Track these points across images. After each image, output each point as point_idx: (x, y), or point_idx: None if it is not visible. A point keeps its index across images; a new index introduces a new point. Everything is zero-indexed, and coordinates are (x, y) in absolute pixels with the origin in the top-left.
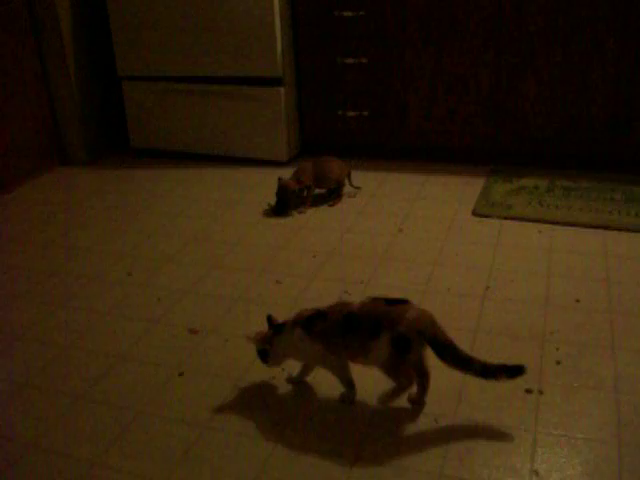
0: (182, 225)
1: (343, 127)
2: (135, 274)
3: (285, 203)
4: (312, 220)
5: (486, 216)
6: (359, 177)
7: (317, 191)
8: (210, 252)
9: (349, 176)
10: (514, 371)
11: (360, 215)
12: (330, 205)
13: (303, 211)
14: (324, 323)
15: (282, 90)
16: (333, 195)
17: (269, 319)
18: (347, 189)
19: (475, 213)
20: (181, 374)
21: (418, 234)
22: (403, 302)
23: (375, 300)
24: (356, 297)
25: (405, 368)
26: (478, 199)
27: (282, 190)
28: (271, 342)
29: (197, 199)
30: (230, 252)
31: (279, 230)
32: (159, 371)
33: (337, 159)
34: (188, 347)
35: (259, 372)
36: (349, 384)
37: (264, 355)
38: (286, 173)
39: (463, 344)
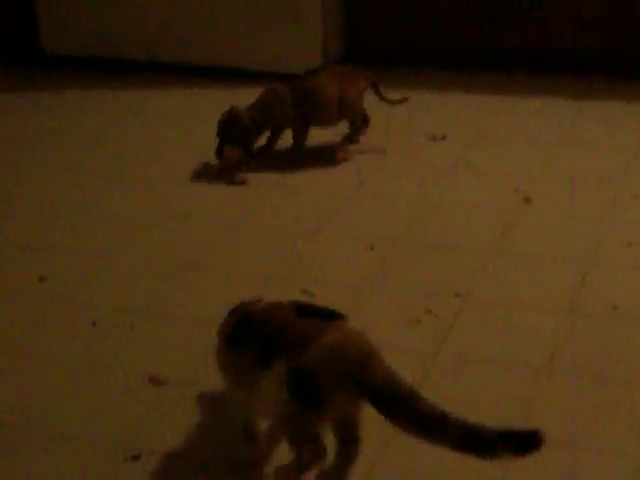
0: (110, 195)
1: (413, 22)
2: (51, 281)
3: (222, 147)
4: (358, 183)
5: None
6: (438, 103)
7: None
8: (168, 244)
9: (377, 89)
10: (525, 441)
11: (446, 174)
12: (339, 158)
13: (240, 181)
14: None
15: None
16: (345, 138)
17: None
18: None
19: None
20: (136, 457)
21: (559, 207)
22: (331, 317)
23: (288, 306)
24: (444, 322)
25: (311, 431)
26: None
27: (225, 122)
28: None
29: (148, 145)
30: (211, 243)
31: (301, 201)
32: (101, 453)
33: (343, 69)
34: (148, 406)
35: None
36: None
37: None
38: None
39: None
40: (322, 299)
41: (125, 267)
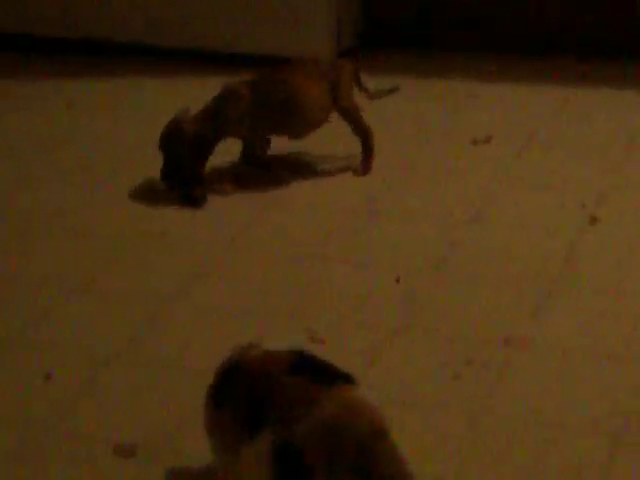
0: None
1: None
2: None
3: (172, 166)
4: (379, 198)
5: None
6: (479, 97)
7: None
8: (142, 268)
9: (359, 81)
10: None
11: (491, 186)
12: (358, 171)
13: (223, 190)
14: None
15: None
16: (362, 144)
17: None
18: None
19: None
20: None
21: (633, 229)
22: (335, 378)
23: (285, 358)
24: (489, 376)
25: None
26: None
27: (165, 136)
28: None
29: (120, 146)
30: (196, 268)
31: (310, 220)
32: None
33: (317, 62)
34: None
35: None
36: None
37: None
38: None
39: None
40: (334, 346)
41: (88, 300)
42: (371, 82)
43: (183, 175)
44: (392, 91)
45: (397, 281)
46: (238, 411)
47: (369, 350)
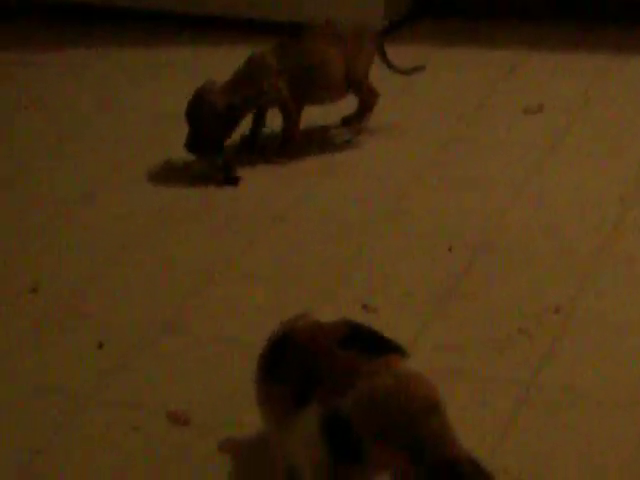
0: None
1: None
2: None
3: (200, 138)
4: (430, 166)
5: None
6: (530, 64)
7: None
8: (187, 245)
9: (383, 54)
10: None
11: (544, 156)
12: (348, 139)
13: (270, 160)
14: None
15: None
16: (353, 115)
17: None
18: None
19: None
20: None
21: None
22: (387, 349)
23: (336, 329)
24: (541, 346)
25: None
26: None
27: (195, 105)
28: None
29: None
30: (242, 243)
31: (354, 188)
32: None
33: (341, 28)
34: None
35: None
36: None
37: None
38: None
39: None
40: (387, 316)
41: (137, 275)
42: (420, 52)
43: (209, 146)
44: (417, 69)
45: (450, 250)
46: (289, 382)
47: (420, 320)
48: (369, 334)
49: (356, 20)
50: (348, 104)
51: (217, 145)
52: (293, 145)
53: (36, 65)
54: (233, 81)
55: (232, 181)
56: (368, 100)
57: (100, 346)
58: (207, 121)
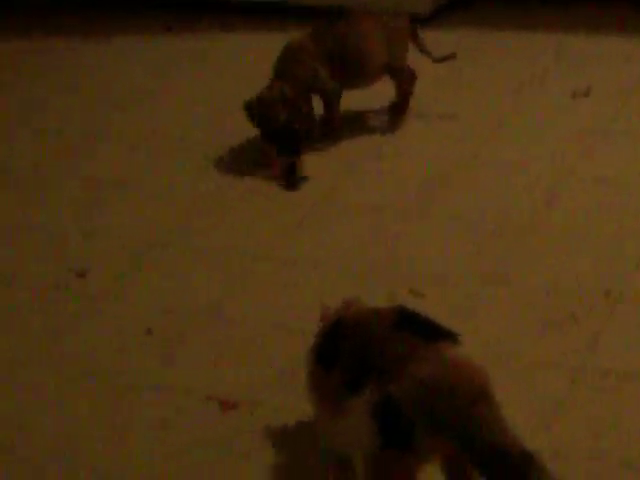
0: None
1: None
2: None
3: (292, 140)
4: (474, 150)
5: None
6: (577, 47)
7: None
8: (232, 230)
9: (417, 40)
10: None
11: (592, 140)
12: (384, 130)
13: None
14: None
15: None
16: (398, 101)
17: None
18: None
19: None
20: None
21: None
22: (439, 336)
23: (387, 315)
24: (590, 329)
25: (402, 475)
26: None
27: (262, 124)
28: None
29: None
30: (288, 227)
31: (401, 172)
32: None
33: (379, 15)
34: (217, 443)
35: None
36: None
37: None
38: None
39: None
40: (434, 300)
41: (182, 260)
42: (465, 37)
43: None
44: (449, 58)
45: (495, 235)
46: (341, 368)
47: (468, 304)
48: (421, 320)
49: (402, 5)
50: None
51: (296, 146)
52: (335, 130)
53: (75, 51)
54: (279, 77)
55: (295, 183)
56: (409, 84)
57: (149, 332)
58: (280, 136)
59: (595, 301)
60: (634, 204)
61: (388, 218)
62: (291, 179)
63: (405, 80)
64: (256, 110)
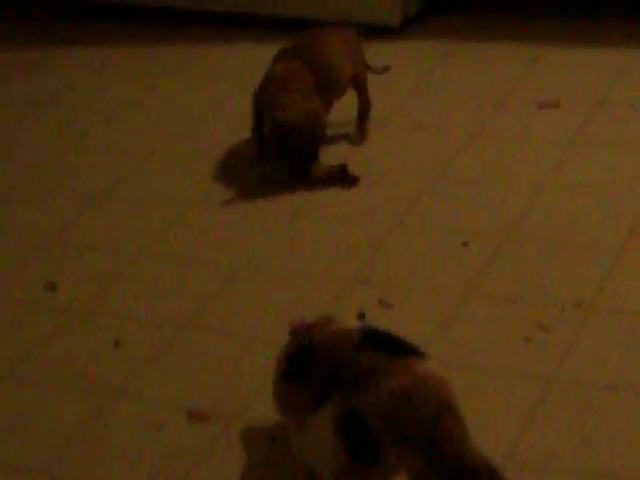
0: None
1: None
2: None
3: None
4: (443, 163)
5: None
6: (547, 60)
7: None
8: (209, 239)
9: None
10: None
11: (561, 151)
12: (353, 141)
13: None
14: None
15: None
16: (361, 115)
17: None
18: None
19: None
20: None
21: None
22: (405, 352)
23: (354, 334)
24: (561, 340)
25: None
26: None
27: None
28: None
29: (186, 115)
30: (263, 236)
31: (374, 187)
32: None
33: (333, 28)
34: (189, 455)
35: None
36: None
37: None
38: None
39: None
40: (402, 311)
41: (157, 267)
42: (437, 47)
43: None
44: (386, 69)
45: (466, 245)
46: (307, 383)
47: (438, 315)
48: (388, 336)
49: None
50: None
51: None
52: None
53: (57, 62)
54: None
55: (352, 180)
56: (368, 98)
57: (117, 344)
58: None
59: (567, 312)
60: (605, 214)
61: (359, 232)
62: (347, 178)
63: (366, 93)
64: (289, 131)
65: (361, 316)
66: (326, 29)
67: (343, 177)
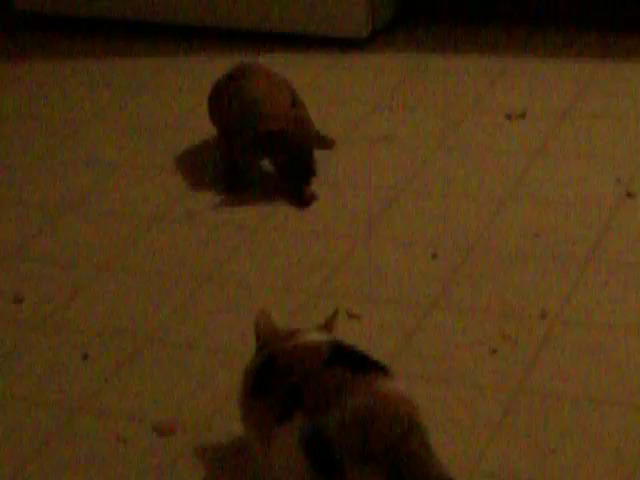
0: (101, 189)
1: None
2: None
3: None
4: (412, 174)
5: None
6: (513, 71)
7: None
8: (175, 251)
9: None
10: None
11: (527, 161)
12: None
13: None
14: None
15: None
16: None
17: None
18: None
19: None
20: None
21: None
22: (370, 369)
23: (321, 349)
24: (526, 351)
25: None
26: None
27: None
28: None
29: (152, 126)
30: (228, 248)
31: (340, 196)
32: None
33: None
34: (155, 469)
35: None
36: None
37: None
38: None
39: None
40: (370, 322)
41: (121, 280)
42: (404, 59)
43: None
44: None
45: (434, 256)
46: (272, 399)
47: (404, 326)
48: (354, 353)
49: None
50: None
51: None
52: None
53: (20, 75)
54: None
55: (307, 200)
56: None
57: (85, 357)
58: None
59: (532, 323)
60: (570, 225)
61: (326, 241)
62: (302, 197)
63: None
64: (289, 141)
65: (335, 314)
66: (262, 68)
67: (299, 195)
